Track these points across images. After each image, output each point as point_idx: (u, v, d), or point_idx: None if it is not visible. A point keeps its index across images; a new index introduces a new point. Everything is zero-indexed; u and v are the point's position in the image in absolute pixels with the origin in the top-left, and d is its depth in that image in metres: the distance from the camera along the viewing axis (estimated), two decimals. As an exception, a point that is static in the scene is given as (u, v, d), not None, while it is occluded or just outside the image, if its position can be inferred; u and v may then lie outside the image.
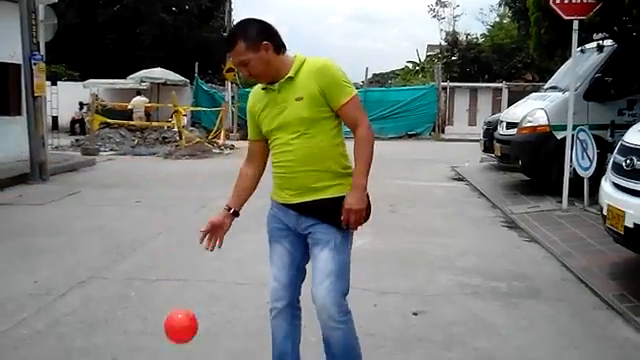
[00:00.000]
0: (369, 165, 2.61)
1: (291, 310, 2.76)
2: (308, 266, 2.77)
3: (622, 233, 4.30)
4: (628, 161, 4.40)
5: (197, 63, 23.22)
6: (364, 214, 2.64)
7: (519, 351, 3.56)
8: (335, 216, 2.61)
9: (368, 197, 2.67)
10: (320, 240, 2.65)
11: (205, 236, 2.75)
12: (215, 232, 2.76)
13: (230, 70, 21.77)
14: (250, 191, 2.85)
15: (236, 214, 2.81)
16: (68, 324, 3.91)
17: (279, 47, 2.63)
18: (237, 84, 23.08)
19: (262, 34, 2.59)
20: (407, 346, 3.62)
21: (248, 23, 2.63)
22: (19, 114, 11.75)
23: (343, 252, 2.67)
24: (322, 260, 2.64)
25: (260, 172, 2.85)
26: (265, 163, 2.84)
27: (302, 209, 2.67)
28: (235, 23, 2.69)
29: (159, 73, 22.18)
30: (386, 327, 3.90)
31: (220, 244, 2.77)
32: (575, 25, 6.96)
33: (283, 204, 2.73)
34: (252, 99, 2.79)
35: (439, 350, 3.56)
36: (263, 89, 2.70)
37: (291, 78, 2.60)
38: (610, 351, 3.61)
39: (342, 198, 2.62)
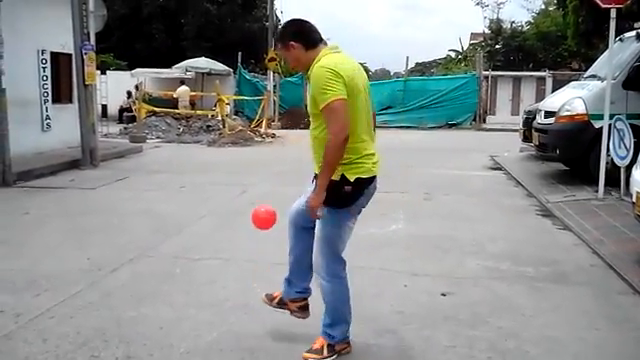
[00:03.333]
0: (327, 169, 2.95)
1: (296, 227, 3.38)
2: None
3: (650, 220, 4.38)
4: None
5: (240, 53, 23.58)
6: (315, 210, 3.03)
7: (540, 330, 3.71)
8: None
9: (337, 186, 3.03)
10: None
11: None
12: None
13: (272, 59, 22.07)
14: None
15: None
16: (119, 296, 4.24)
17: (308, 45, 3.12)
18: (279, 73, 23.37)
19: (291, 36, 3.14)
20: (434, 323, 3.80)
21: (284, 26, 3.22)
22: (70, 102, 12.31)
23: (328, 224, 3.14)
24: (317, 227, 3.19)
25: None
26: None
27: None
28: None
29: (203, 63, 22.63)
30: (415, 306, 4.10)
31: None
32: (612, 13, 6.95)
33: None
34: None
35: (464, 328, 3.74)
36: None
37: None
38: (629, 333, 3.72)
39: (331, 181, 3.01)
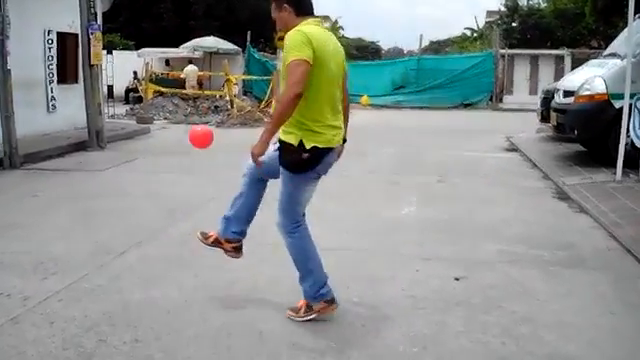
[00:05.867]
0: (275, 121, 3.12)
1: (252, 178, 3.55)
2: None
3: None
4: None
5: (249, 31, 23.33)
6: (255, 158, 3.18)
7: (555, 315, 3.62)
8: (280, 156, 3.25)
9: (295, 151, 3.19)
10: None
11: None
12: None
13: (282, 38, 21.84)
14: None
15: None
16: (127, 280, 4.18)
17: (299, 12, 3.27)
18: (289, 52, 23.07)
19: None
20: (446, 308, 3.72)
21: None
22: (76, 82, 12.21)
23: (287, 185, 3.31)
24: (279, 187, 3.36)
25: None
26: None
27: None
28: None
29: (211, 42, 22.36)
30: (427, 290, 4.01)
31: None
32: (633, -11, 6.72)
33: None
34: None
35: (477, 313, 3.65)
36: None
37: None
38: (647, 318, 3.62)
39: (288, 144, 3.20)
